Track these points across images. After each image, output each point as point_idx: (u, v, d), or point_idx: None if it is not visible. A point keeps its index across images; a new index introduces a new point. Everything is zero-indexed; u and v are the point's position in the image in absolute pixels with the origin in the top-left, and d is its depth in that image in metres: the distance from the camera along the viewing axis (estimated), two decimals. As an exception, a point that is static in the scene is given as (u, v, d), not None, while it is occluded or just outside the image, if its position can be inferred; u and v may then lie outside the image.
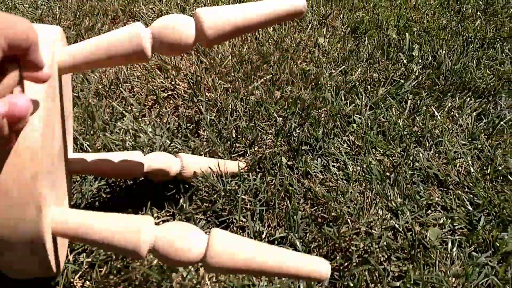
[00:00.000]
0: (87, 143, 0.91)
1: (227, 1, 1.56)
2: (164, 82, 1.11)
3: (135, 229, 0.48)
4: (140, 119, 0.99)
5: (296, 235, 0.75)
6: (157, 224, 0.76)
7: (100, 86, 1.08)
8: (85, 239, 0.48)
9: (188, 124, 0.99)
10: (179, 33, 0.52)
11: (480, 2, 1.65)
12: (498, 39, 1.39)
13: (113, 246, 0.47)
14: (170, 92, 1.09)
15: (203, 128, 0.97)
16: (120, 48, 0.51)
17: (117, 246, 0.47)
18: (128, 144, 0.91)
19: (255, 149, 0.93)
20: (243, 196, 0.80)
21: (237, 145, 0.93)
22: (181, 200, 0.79)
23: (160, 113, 1.02)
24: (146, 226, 0.48)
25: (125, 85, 1.10)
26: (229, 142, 0.93)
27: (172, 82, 1.11)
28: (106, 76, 1.12)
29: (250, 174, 0.86)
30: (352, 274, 0.69)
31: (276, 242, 0.75)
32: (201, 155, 0.89)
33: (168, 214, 0.79)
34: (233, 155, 0.91)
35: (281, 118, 1.01)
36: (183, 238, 0.48)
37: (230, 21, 0.53)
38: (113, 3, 1.50)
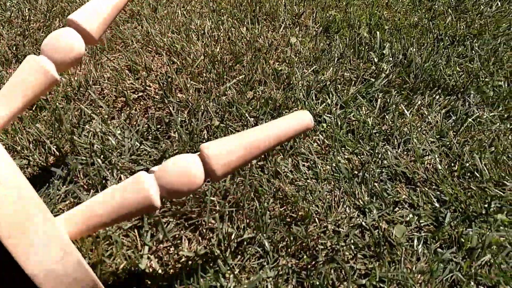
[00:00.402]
0: (55, 146, 0.89)
1: (200, 1, 1.55)
2: (134, 83, 1.10)
3: (136, 183, 0.47)
4: (109, 122, 0.98)
5: (265, 235, 0.75)
6: (125, 233, 0.76)
7: (69, 89, 1.07)
8: (100, 225, 0.47)
9: (159, 126, 0.98)
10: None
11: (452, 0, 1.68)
12: (468, 36, 1.42)
13: (127, 213, 0.46)
14: (140, 94, 1.08)
15: (174, 130, 0.96)
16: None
17: (131, 210, 0.46)
18: (96, 147, 0.90)
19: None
20: (212, 198, 0.80)
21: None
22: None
23: (130, 115, 1.01)
24: (143, 177, 0.48)
25: (95, 87, 1.09)
26: (199, 143, 0.92)
27: (143, 83, 1.10)
28: (75, 78, 1.11)
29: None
30: (319, 272, 0.69)
31: (245, 243, 0.75)
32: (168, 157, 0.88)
33: (136, 218, 0.78)
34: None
35: (252, 119, 1.01)
36: (182, 170, 0.48)
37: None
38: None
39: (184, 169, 0.48)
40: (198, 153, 0.51)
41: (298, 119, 0.51)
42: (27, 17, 1.40)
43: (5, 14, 1.43)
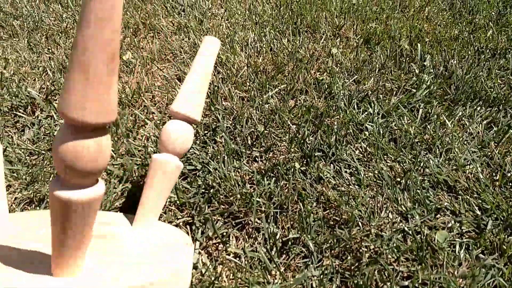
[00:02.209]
0: (112, 149, 0.96)
1: (243, 12, 1.62)
2: (183, 91, 1.16)
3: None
4: (161, 127, 1.04)
5: (309, 236, 0.78)
6: (177, 225, 0.81)
7: (123, 95, 1.14)
8: None
9: (206, 131, 1.04)
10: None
11: (493, 13, 1.68)
12: (509, 50, 1.42)
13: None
14: (189, 101, 1.14)
15: (220, 135, 1.01)
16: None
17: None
18: (150, 149, 0.96)
19: (270, 155, 0.97)
20: (258, 199, 0.84)
21: (254, 150, 0.97)
22: (200, 202, 0.83)
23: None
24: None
25: (147, 94, 1.15)
26: (245, 148, 0.97)
27: (191, 91, 1.16)
28: (129, 85, 1.18)
29: (265, 178, 0.90)
30: (363, 273, 0.72)
31: (289, 243, 0.78)
32: (218, 159, 0.93)
33: (188, 215, 0.83)
34: (249, 161, 0.95)
35: (294, 126, 1.05)
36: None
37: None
38: (134, 16, 1.57)
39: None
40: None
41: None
42: (83, 28, 1.49)
43: (61, 25, 1.53)
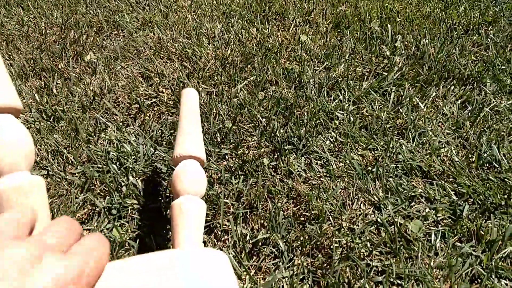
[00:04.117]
0: (72, 156, 0.91)
1: (209, 3, 1.56)
2: (147, 90, 1.12)
3: None
4: (124, 129, 0.99)
5: (279, 235, 0.75)
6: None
7: (84, 99, 1.09)
8: None
9: (172, 131, 0.99)
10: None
11: (465, -12, 1.64)
12: (482, 24, 1.38)
13: None
14: (153, 100, 1.09)
15: (187, 134, 0.97)
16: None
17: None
18: (112, 154, 0.92)
19: (240, 151, 0.94)
20: (225, 200, 0.81)
21: (223, 147, 0.93)
22: (162, 206, 0.80)
23: (144, 121, 1.02)
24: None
25: (109, 95, 1.11)
26: (213, 146, 0.93)
27: (156, 90, 1.12)
28: (91, 88, 1.13)
29: (233, 177, 0.86)
30: (335, 271, 0.69)
31: (259, 244, 0.75)
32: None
33: (153, 222, 0.79)
34: (217, 159, 0.92)
35: (264, 119, 1.01)
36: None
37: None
38: (97, 14, 1.51)
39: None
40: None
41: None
42: (43, 30, 1.43)
43: (22, 29, 1.47)
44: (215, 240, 0.76)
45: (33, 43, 1.38)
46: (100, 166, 0.89)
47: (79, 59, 1.27)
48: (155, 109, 1.07)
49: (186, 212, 0.47)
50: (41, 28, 1.46)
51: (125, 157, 0.91)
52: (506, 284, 0.68)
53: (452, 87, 1.11)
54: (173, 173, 0.56)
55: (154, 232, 0.77)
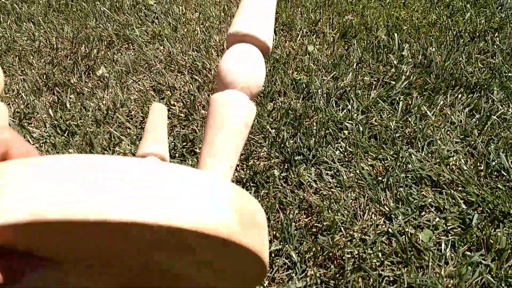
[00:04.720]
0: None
1: (217, 15, 1.59)
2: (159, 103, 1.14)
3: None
4: (137, 142, 1.02)
5: (291, 246, 0.77)
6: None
7: (98, 113, 1.11)
8: None
9: (184, 143, 1.01)
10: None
11: (471, -6, 1.66)
12: (488, 31, 1.39)
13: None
14: (165, 113, 1.11)
15: (199, 146, 0.99)
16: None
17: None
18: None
19: (251, 162, 0.95)
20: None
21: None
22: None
23: (156, 134, 1.04)
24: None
25: (122, 109, 1.13)
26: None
27: (167, 103, 1.14)
28: (104, 102, 1.16)
29: (245, 188, 0.88)
30: (347, 281, 0.71)
31: (272, 255, 0.76)
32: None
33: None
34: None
35: (274, 130, 1.03)
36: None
37: None
38: (107, 28, 1.54)
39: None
40: None
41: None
42: (55, 45, 1.46)
43: (34, 44, 1.50)
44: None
45: (45, 58, 1.41)
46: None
47: (91, 73, 1.30)
48: (167, 122, 1.09)
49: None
50: (52, 43, 1.49)
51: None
52: (517, 293, 0.69)
53: (460, 95, 1.12)
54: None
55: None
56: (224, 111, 0.33)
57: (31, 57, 1.43)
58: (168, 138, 1.03)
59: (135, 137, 1.03)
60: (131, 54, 1.38)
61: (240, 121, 0.33)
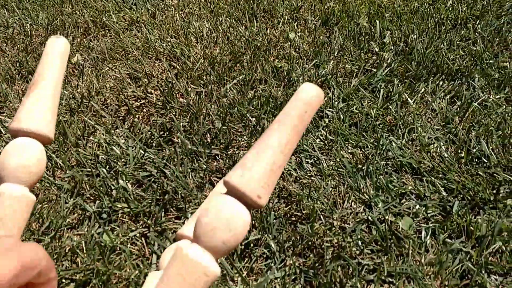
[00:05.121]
0: (61, 160, 0.91)
1: (197, 1, 1.55)
2: (136, 91, 1.11)
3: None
4: (112, 131, 0.99)
5: (270, 235, 0.75)
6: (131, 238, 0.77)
7: (72, 102, 1.08)
8: None
9: (162, 132, 0.99)
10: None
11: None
12: (470, 18, 1.39)
13: None
14: (142, 101, 1.09)
15: (177, 135, 0.97)
16: None
17: None
18: (101, 158, 0.91)
19: (230, 151, 0.93)
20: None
21: (213, 148, 0.93)
22: (156, 210, 0.79)
23: (133, 123, 1.01)
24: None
25: (97, 97, 1.10)
26: (203, 147, 0.93)
27: (144, 91, 1.11)
28: (78, 90, 1.12)
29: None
30: (326, 270, 0.69)
31: (251, 245, 0.75)
32: (175, 163, 0.89)
33: (143, 226, 0.79)
34: (208, 160, 0.91)
35: (254, 118, 1.01)
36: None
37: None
38: (83, 15, 1.49)
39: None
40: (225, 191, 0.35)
41: (305, 99, 0.34)
42: (29, 32, 1.41)
43: (7, 31, 1.45)
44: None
45: (18, 46, 1.36)
46: (90, 170, 0.88)
47: (66, 61, 1.26)
48: (144, 110, 1.07)
49: None
50: (27, 30, 1.44)
51: (115, 160, 0.90)
52: (496, 279, 0.69)
53: (441, 83, 1.11)
54: None
55: (146, 236, 0.77)
56: None
57: (4, 45, 1.38)
58: (145, 127, 1.00)
59: (110, 126, 1.00)
60: (107, 41, 1.34)
61: None
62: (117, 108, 1.07)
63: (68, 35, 1.38)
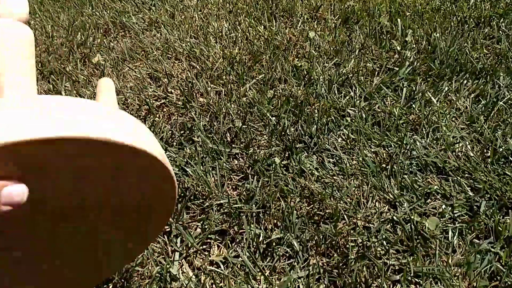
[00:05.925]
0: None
1: (216, 1, 1.56)
2: (156, 91, 1.11)
3: None
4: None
5: (293, 235, 0.74)
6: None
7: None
8: None
9: (182, 132, 0.99)
10: None
11: (475, -20, 1.62)
12: (494, 17, 1.36)
13: None
14: (162, 101, 1.09)
15: (197, 134, 0.96)
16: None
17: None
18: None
19: (251, 150, 0.93)
20: (241, 205, 0.80)
21: (233, 147, 0.92)
22: (178, 208, 0.79)
23: (154, 122, 1.02)
24: None
25: (118, 97, 1.10)
26: (223, 146, 0.92)
27: (165, 90, 1.11)
28: (99, 90, 1.13)
29: (245, 177, 0.85)
30: (351, 270, 0.68)
31: (273, 244, 0.74)
32: (196, 161, 0.89)
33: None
34: (229, 159, 0.91)
35: (274, 118, 1.00)
36: None
37: None
38: (103, 16, 1.51)
39: None
40: None
41: None
42: (50, 33, 1.43)
43: (29, 32, 1.47)
44: (229, 242, 0.76)
45: (40, 47, 1.38)
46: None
47: (87, 61, 1.27)
48: (165, 110, 1.07)
49: None
50: (48, 31, 1.46)
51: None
52: (527, 281, 0.67)
53: (465, 81, 1.09)
54: None
55: (168, 233, 0.77)
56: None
57: (26, 46, 1.40)
58: (165, 126, 1.00)
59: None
60: (127, 41, 1.35)
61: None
62: (138, 107, 1.07)
63: (88, 36, 1.39)
